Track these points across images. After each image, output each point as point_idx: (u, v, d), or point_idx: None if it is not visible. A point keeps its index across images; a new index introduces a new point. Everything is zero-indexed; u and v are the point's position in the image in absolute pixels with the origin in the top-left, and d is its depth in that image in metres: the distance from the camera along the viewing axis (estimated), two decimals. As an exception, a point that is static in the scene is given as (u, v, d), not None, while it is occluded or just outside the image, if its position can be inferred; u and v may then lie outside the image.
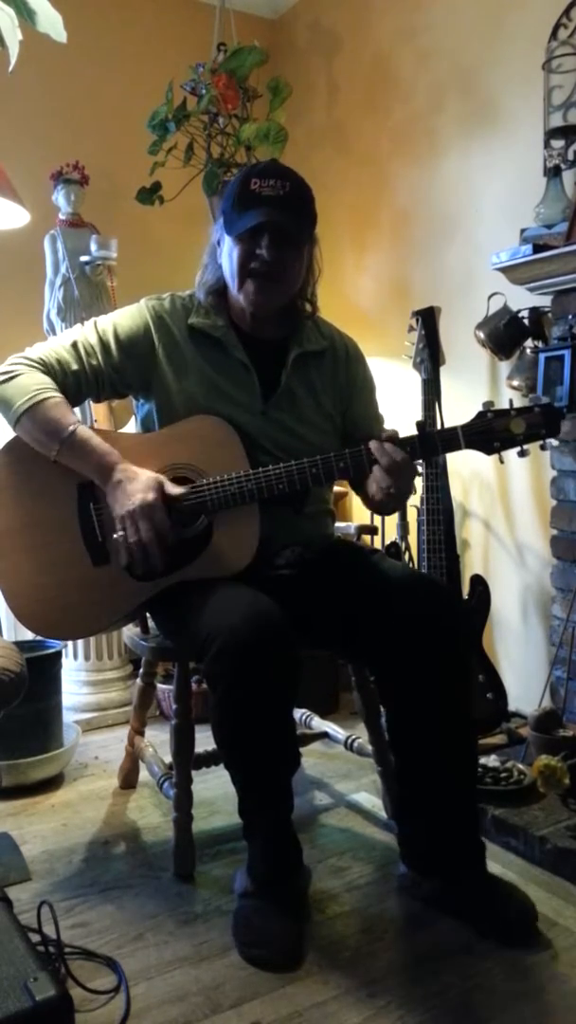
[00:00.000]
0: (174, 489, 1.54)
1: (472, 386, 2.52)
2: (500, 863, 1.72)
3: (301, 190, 1.57)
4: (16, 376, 1.57)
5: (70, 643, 2.67)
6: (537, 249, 2.01)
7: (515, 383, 2.24)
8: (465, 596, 2.24)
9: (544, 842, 1.71)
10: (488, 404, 1.49)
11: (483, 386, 2.51)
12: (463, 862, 1.55)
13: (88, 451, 1.55)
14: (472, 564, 2.57)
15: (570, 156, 2.16)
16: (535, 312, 2.23)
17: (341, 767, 2.26)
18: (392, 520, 2.62)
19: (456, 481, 2.51)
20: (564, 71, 2.07)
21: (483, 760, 1.96)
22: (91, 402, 2.14)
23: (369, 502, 1.71)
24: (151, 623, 1.83)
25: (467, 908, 1.52)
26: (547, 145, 2.18)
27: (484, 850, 1.57)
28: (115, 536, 1.53)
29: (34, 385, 1.56)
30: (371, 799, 2.06)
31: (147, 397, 1.67)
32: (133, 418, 1.98)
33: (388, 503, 1.62)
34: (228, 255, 1.59)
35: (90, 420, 2.51)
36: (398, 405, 2.56)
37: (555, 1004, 1.32)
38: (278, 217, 1.52)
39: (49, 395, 1.56)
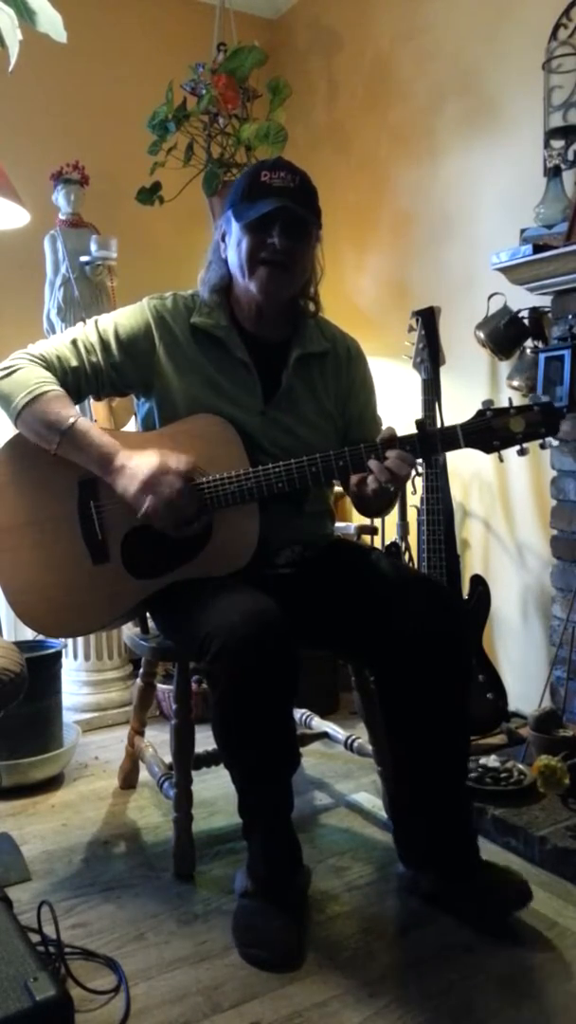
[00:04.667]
0: (178, 464, 1.52)
1: (472, 386, 2.52)
2: (500, 863, 1.72)
3: (309, 185, 1.58)
4: (16, 371, 1.57)
5: (70, 643, 2.67)
6: (537, 249, 2.00)
7: (515, 383, 2.24)
8: (465, 596, 2.24)
9: (544, 842, 1.71)
10: (487, 403, 1.49)
11: (483, 386, 2.51)
12: (458, 857, 1.56)
13: (88, 442, 1.54)
14: (472, 564, 2.57)
15: (570, 156, 2.16)
16: (535, 312, 2.23)
17: (341, 767, 2.26)
18: (392, 520, 2.62)
19: (456, 481, 2.51)
20: (564, 71, 2.08)
21: (483, 760, 1.95)
22: (91, 401, 2.15)
23: (357, 503, 1.71)
24: (151, 623, 1.83)
25: (463, 903, 1.53)
26: (547, 145, 2.18)
27: (476, 842, 1.58)
28: (141, 513, 1.50)
29: (34, 379, 1.56)
30: (371, 799, 2.06)
31: (147, 396, 1.67)
32: (133, 418, 1.98)
33: (377, 500, 1.61)
34: (236, 245, 1.59)
35: (90, 420, 2.51)
36: (398, 405, 2.56)
37: (555, 1004, 1.32)
38: (289, 205, 1.53)
39: (49, 388, 1.56)
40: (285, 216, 1.54)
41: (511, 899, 1.51)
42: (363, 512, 1.74)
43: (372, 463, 1.48)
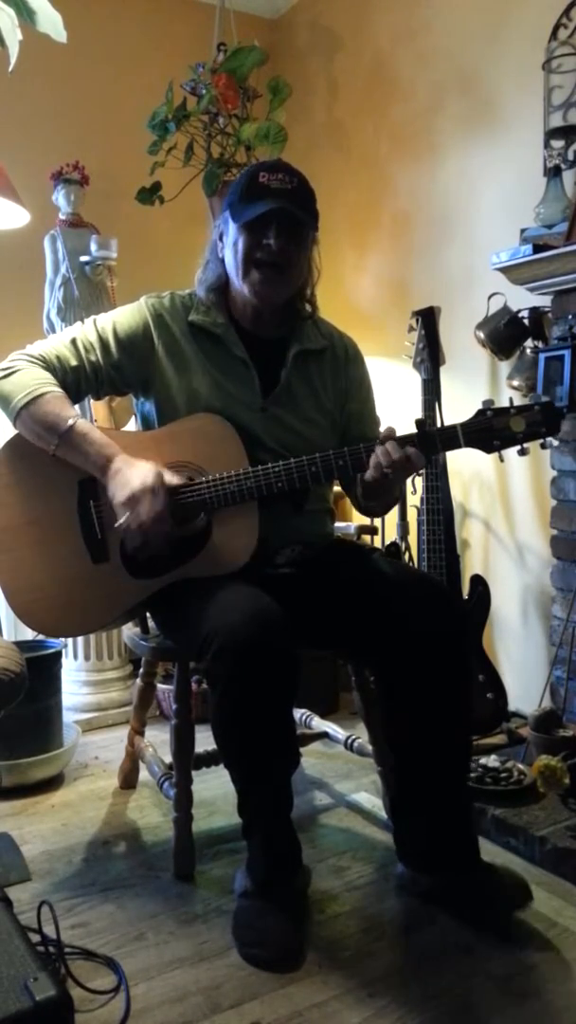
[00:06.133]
0: (173, 478, 1.54)
1: (472, 386, 2.52)
2: (500, 863, 1.72)
3: (307, 187, 1.58)
4: (15, 372, 1.57)
5: (70, 643, 2.67)
6: (537, 249, 2.00)
7: (515, 383, 2.24)
8: (465, 596, 2.24)
9: (544, 842, 1.71)
10: (488, 402, 1.49)
11: (483, 386, 2.51)
12: (459, 858, 1.56)
13: (87, 444, 1.55)
14: (472, 564, 2.57)
15: (570, 156, 2.16)
16: (535, 312, 2.23)
17: (341, 767, 2.26)
18: (392, 520, 2.62)
19: (456, 481, 2.51)
20: (564, 71, 2.08)
21: (483, 760, 1.95)
22: (91, 400, 2.15)
23: (358, 502, 1.71)
24: (151, 623, 1.83)
25: (464, 903, 1.53)
26: (547, 145, 2.19)
27: (477, 843, 1.58)
28: (117, 524, 1.52)
29: (33, 380, 1.56)
30: (371, 799, 2.06)
31: (147, 395, 1.67)
32: (133, 417, 1.98)
33: (379, 496, 1.61)
34: (233, 245, 1.59)
35: (90, 420, 2.51)
36: (398, 405, 2.56)
37: (555, 1004, 1.32)
38: (286, 207, 1.53)
39: (48, 390, 1.56)
40: (282, 218, 1.54)
41: (513, 898, 1.51)
42: (366, 511, 1.74)
43: (388, 445, 1.47)
